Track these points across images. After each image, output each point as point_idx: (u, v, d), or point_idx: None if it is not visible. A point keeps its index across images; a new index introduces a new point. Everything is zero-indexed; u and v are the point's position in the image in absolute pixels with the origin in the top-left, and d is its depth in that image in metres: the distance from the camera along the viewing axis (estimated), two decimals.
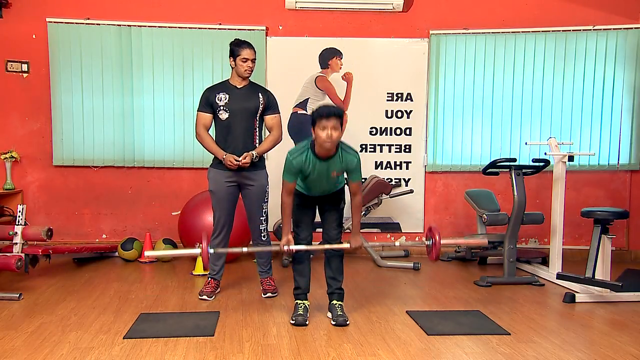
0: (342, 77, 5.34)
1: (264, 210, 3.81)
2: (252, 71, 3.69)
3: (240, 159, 3.61)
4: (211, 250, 3.17)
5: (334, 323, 3.24)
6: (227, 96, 3.67)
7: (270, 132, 3.81)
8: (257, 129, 3.75)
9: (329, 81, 5.33)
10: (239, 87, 3.70)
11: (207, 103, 3.70)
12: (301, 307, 3.32)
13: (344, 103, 5.33)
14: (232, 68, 3.70)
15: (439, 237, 3.17)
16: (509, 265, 4.30)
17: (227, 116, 3.66)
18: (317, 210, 3.43)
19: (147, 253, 3.15)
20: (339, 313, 3.28)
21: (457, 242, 3.49)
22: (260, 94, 3.72)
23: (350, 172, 3.21)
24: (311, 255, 3.47)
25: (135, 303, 3.64)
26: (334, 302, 3.35)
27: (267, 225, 3.86)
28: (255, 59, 3.68)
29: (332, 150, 3.09)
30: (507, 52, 5.29)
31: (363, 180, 4.83)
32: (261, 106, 3.71)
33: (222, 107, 3.66)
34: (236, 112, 3.66)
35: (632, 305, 3.72)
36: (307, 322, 3.24)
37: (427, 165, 5.40)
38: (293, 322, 3.23)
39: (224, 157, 3.63)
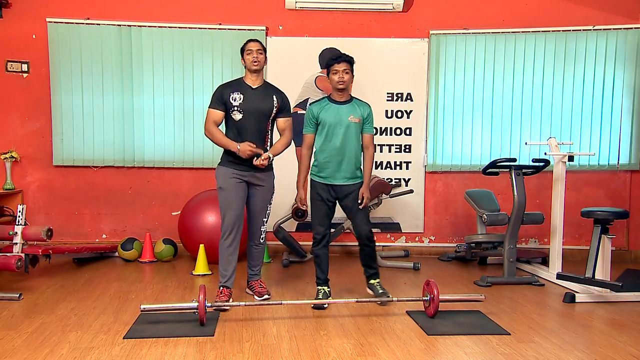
0: None
1: (267, 212, 3.75)
2: (259, 63, 3.57)
3: (262, 157, 3.49)
4: (209, 304, 3.23)
5: (379, 303, 3.59)
6: (242, 96, 3.56)
7: (281, 134, 3.72)
8: (269, 131, 3.67)
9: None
10: (253, 87, 3.60)
11: (221, 100, 3.57)
12: (321, 292, 3.67)
13: None
14: (244, 68, 3.64)
15: (437, 293, 3.30)
16: (509, 265, 4.30)
17: (240, 117, 3.55)
18: (336, 208, 3.71)
19: (143, 306, 3.14)
20: (380, 291, 3.66)
21: (454, 299, 3.55)
22: (274, 96, 3.63)
23: (365, 123, 3.63)
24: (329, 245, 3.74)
25: (135, 303, 3.63)
26: (372, 281, 3.73)
27: (266, 228, 3.80)
28: (261, 51, 3.58)
29: (345, 95, 3.63)
30: (507, 52, 5.29)
31: None
32: (275, 108, 3.62)
33: (236, 108, 3.55)
34: (250, 113, 3.56)
35: (632, 305, 3.72)
36: (325, 306, 3.57)
37: (427, 165, 5.40)
38: (313, 306, 3.54)
39: (239, 147, 3.49)
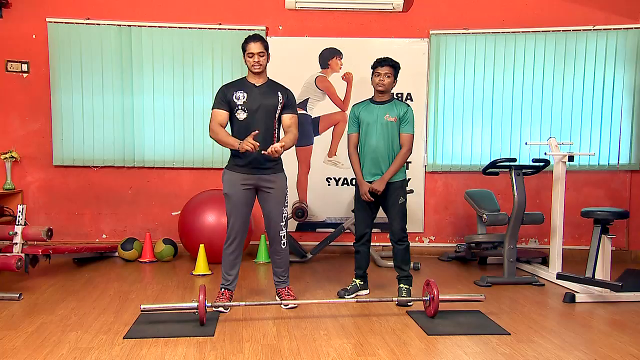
0: (342, 77, 5.34)
1: (283, 215, 3.59)
2: (261, 66, 3.46)
3: (273, 146, 3.33)
4: (209, 304, 3.23)
5: (396, 303, 3.61)
6: (245, 95, 3.46)
7: (286, 132, 3.57)
8: (277, 129, 3.56)
9: (329, 81, 5.33)
10: (257, 85, 3.51)
11: (224, 100, 3.47)
12: (352, 283, 3.89)
13: (344, 103, 5.33)
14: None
15: (437, 293, 3.30)
16: (509, 265, 4.30)
17: (245, 116, 3.46)
18: (376, 208, 3.79)
19: (143, 306, 3.14)
20: (403, 295, 3.70)
21: (454, 299, 3.55)
22: (279, 93, 3.53)
23: (402, 123, 3.70)
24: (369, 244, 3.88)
25: (135, 303, 3.63)
26: (401, 285, 3.77)
27: (286, 231, 3.65)
28: (263, 53, 3.45)
29: (386, 97, 3.74)
30: (507, 52, 5.29)
31: None
32: (280, 105, 3.51)
33: (240, 107, 3.45)
34: (255, 111, 3.45)
35: (632, 305, 3.72)
36: (345, 295, 3.79)
37: (427, 165, 5.40)
38: (338, 294, 3.82)
39: (240, 144, 3.33)
